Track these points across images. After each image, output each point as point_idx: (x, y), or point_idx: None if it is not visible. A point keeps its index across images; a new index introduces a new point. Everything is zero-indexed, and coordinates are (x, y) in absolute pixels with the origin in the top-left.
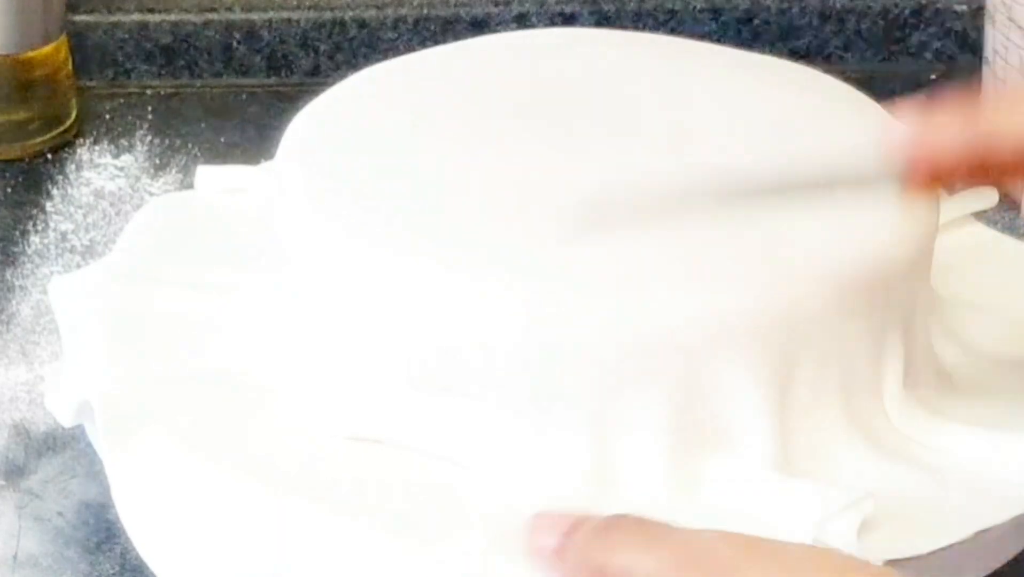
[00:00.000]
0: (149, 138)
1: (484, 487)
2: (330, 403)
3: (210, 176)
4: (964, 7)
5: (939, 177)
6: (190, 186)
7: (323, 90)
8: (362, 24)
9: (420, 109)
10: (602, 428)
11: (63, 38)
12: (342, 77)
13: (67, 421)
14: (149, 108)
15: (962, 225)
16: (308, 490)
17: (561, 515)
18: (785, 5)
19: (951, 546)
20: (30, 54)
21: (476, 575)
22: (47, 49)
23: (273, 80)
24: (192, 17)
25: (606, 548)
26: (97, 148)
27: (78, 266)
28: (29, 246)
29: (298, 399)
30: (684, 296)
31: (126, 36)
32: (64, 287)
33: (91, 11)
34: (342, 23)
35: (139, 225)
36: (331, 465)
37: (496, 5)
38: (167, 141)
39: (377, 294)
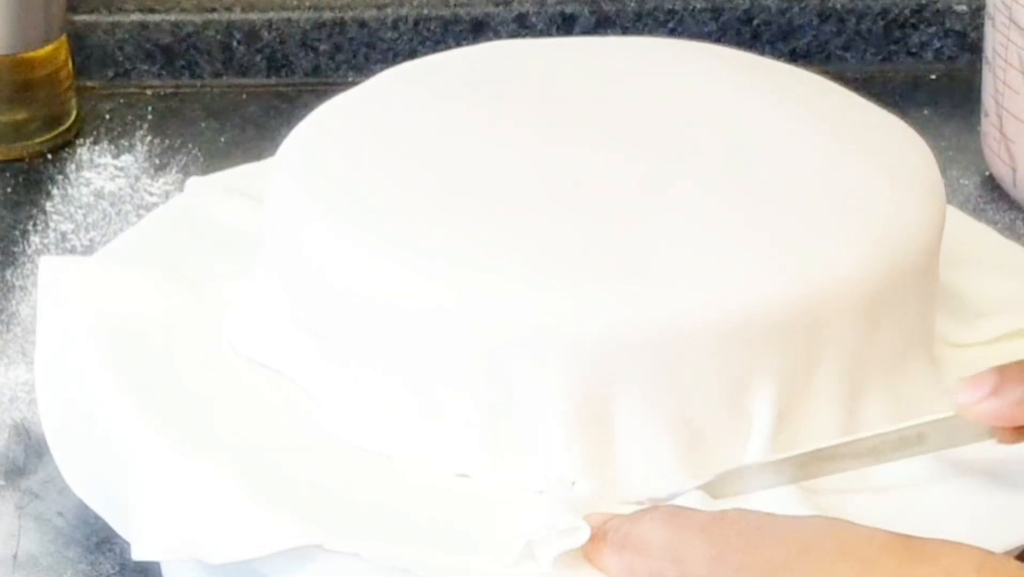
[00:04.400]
0: (149, 138)
1: (363, 456)
2: (248, 338)
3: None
4: (964, 7)
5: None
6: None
7: (323, 90)
8: (362, 24)
9: (422, 117)
10: (495, 414)
11: (63, 38)
12: (342, 77)
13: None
14: (149, 108)
15: None
16: (190, 423)
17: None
18: (785, 5)
19: None
20: (30, 54)
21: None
22: (47, 49)
23: (273, 80)
24: (192, 17)
25: (632, 522)
26: (97, 148)
27: None
28: (29, 246)
29: (233, 332)
30: (584, 297)
31: (126, 36)
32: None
33: (91, 11)
34: (342, 23)
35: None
36: (225, 399)
37: (496, 5)
38: (167, 141)
39: (303, 258)
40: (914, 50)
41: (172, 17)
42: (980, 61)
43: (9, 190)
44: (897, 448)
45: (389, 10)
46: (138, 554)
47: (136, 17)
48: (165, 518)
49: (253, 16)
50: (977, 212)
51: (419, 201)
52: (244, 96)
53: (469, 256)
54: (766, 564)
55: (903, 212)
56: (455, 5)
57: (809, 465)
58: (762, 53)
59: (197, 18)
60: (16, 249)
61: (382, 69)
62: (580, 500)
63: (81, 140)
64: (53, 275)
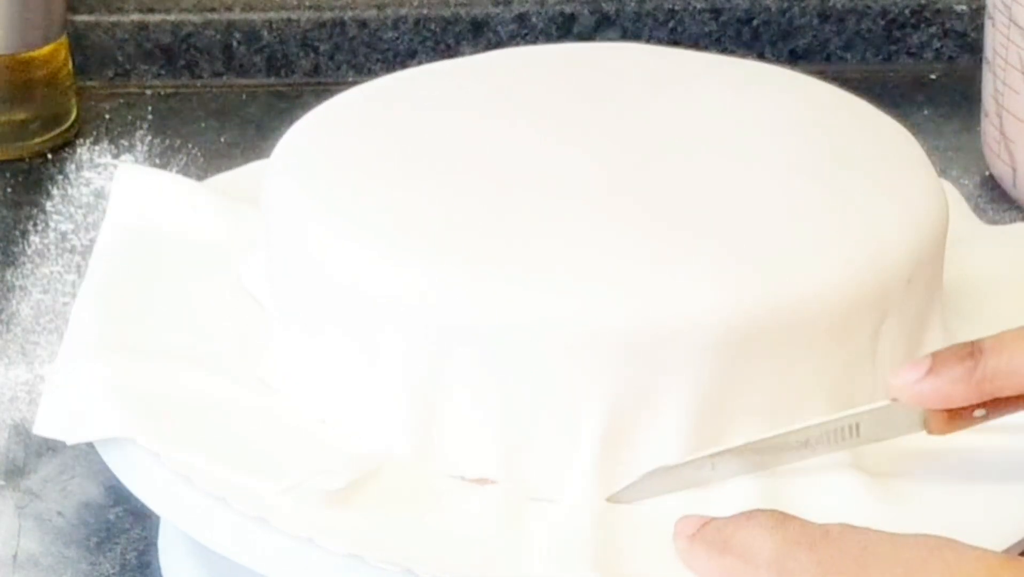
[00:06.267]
0: (149, 138)
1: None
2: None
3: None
4: (964, 7)
5: (958, 417)
6: None
7: (323, 90)
8: (362, 24)
9: (418, 117)
10: (354, 373)
11: (63, 38)
12: (342, 77)
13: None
14: (149, 108)
15: None
16: (136, 327)
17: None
18: (785, 5)
19: None
20: (30, 54)
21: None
22: (47, 49)
23: (273, 80)
24: (192, 17)
25: (735, 527)
26: (97, 148)
27: (78, 266)
28: (29, 246)
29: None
30: (445, 283)
31: (126, 36)
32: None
33: (91, 11)
34: (342, 23)
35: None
36: (196, 316)
37: (496, 5)
38: (167, 141)
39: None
40: (914, 50)
41: (172, 17)
42: (980, 61)
43: (9, 190)
44: (832, 440)
45: (389, 10)
46: (35, 429)
47: (136, 17)
48: (59, 403)
49: (253, 16)
50: (977, 212)
51: (395, 195)
52: (244, 96)
53: (402, 236)
54: None
55: (815, 259)
56: (455, 5)
57: (737, 460)
58: (762, 53)
59: (197, 18)
60: (16, 249)
61: (382, 69)
62: (394, 464)
63: (81, 140)
64: (127, 178)
